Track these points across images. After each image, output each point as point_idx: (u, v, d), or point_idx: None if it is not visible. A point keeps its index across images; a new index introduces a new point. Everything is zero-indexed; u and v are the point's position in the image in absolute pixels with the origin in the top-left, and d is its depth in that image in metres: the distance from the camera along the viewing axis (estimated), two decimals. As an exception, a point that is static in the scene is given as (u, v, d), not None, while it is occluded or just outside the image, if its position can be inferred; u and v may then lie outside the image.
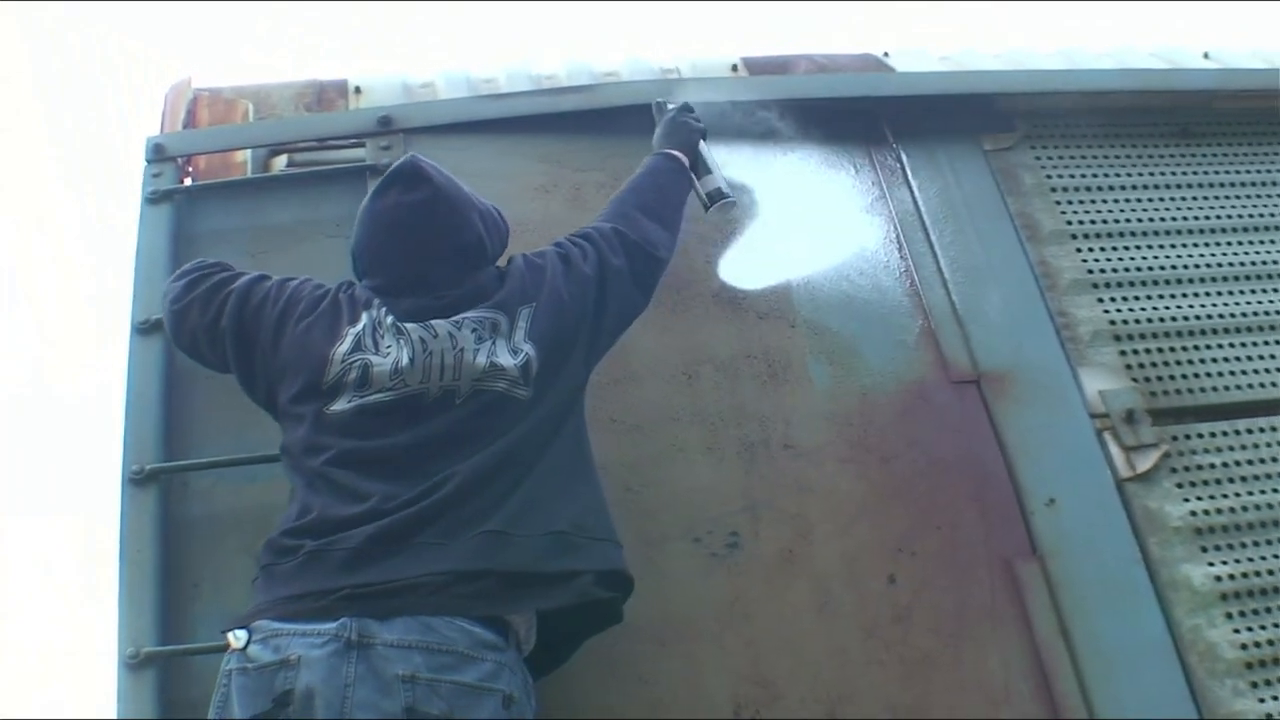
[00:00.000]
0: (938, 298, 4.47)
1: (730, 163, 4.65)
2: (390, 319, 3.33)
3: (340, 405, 3.25)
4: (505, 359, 3.26)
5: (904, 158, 4.85)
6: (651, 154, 4.09)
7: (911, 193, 4.75)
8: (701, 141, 4.15)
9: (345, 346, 3.31)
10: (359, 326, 3.34)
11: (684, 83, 4.98)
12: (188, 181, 4.56)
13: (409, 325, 3.31)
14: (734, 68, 5.26)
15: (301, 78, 5.16)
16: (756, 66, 5.27)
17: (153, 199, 4.43)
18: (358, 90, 5.04)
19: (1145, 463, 4.18)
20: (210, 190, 4.53)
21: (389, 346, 3.28)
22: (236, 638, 2.94)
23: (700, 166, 4.10)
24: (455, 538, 3.03)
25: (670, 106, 4.28)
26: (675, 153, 4.07)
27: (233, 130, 4.75)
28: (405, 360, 3.24)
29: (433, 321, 3.32)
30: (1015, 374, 4.32)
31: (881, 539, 3.96)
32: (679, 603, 3.79)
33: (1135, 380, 4.38)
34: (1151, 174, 5.01)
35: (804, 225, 4.61)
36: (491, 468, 3.15)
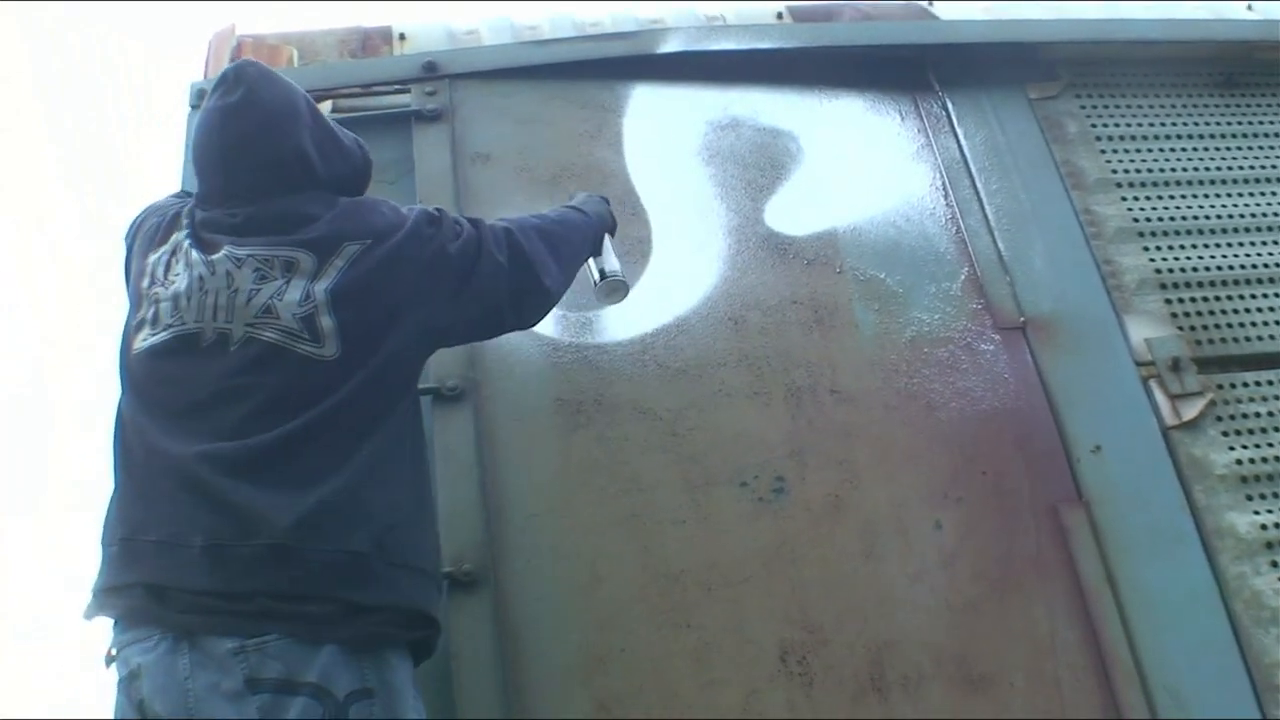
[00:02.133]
0: (984, 245, 4.46)
1: (776, 108, 4.66)
2: (188, 243, 3.10)
3: (138, 345, 3.07)
4: (288, 302, 2.95)
5: (949, 105, 4.84)
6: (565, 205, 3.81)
7: (957, 140, 4.74)
8: (609, 235, 3.87)
9: (146, 279, 3.15)
10: (159, 253, 3.16)
11: (729, 29, 4.98)
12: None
13: (195, 256, 3.05)
14: (779, 15, 5.23)
15: (345, 24, 5.15)
16: (801, 14, 5.23)
17: (197, 144, 4.41)
18: (402, 37, 5.02)
19: (1191, 411, 4.17)
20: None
21: (176, 275, 3.07)
22: (108, 656, 2.90)
23: (602, 247, 3.84)
24: (236, 540, 2.78)
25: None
26: (590, 213, 3.77)
27: (278, 75, 4.75)
28: (183, 294, 3.01)
29: (215, 257, 3.02)
30: (1061, 322, 4.31)
31: (928, 485, 3.95)
32: (726, 548, 3.78)
33: (1181, 329, 4.37)
34: (1195, 123, 4.99)
35: (850, 172, 4.62)
36: (285, 445, 2.87)
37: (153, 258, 3.17)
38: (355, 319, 2.97)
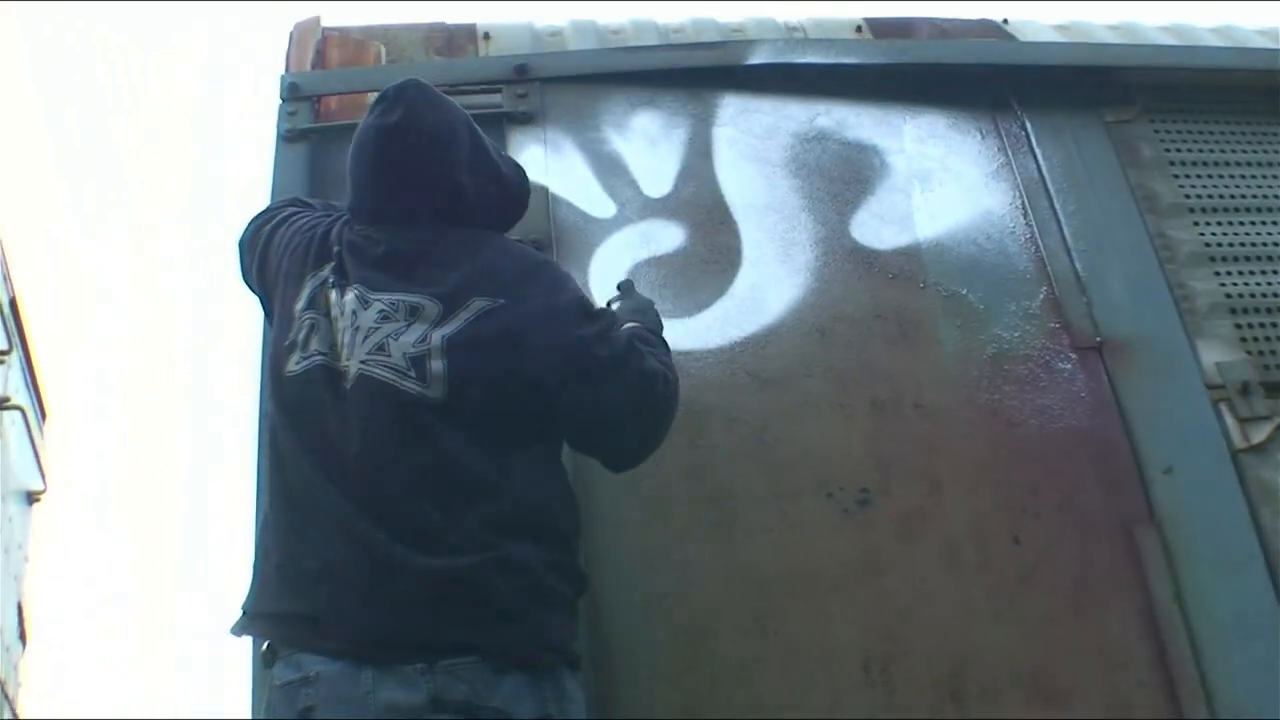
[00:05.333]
0: (1062, 265, 4.51)
1: (860, 123, 4.72)
2: (332, 278, 3.13)
3: (291, 368, 3.08)
4: (403, 342, 2.98)
5: (1028, 126, 4.89)
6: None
7: (1036, 161, 4.78)
8: None
9: (302, 302, 3.16)
10: (315, 278, 3.18)
11: (814, 43, 5.04)
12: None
13: (332, 291, 3.10)
14: (858, 29, 5.29)
15: (427, 20, 5.20)
16: (879, 28, 5.29)
17: (289, 137, 4.49)
18: (486, 36, 5.07)
19: (1259, 434, 4.23)
20: (345, 131, 4.39)
21: (321, 306, 3.12)
22: (264, 660, 2.94)
23: None
24: (390, 580, 2.81)
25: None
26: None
27: (369, 71, 4.78)
28: (322, 325, 3.07)
29: (347, 297, 3.06)
30: (1135, 343, 4.36)
31: (1007, 500, 4.02)
32: (811, 557, 3.86)
33: (1250, 353, 4.42)
34: (1265, 151, 5.03)
35: (932, 188, 4.68)
36: (419, 483, 2.90)
37: (311, 282, 3.19)
38: (466, 369, 2.98)
